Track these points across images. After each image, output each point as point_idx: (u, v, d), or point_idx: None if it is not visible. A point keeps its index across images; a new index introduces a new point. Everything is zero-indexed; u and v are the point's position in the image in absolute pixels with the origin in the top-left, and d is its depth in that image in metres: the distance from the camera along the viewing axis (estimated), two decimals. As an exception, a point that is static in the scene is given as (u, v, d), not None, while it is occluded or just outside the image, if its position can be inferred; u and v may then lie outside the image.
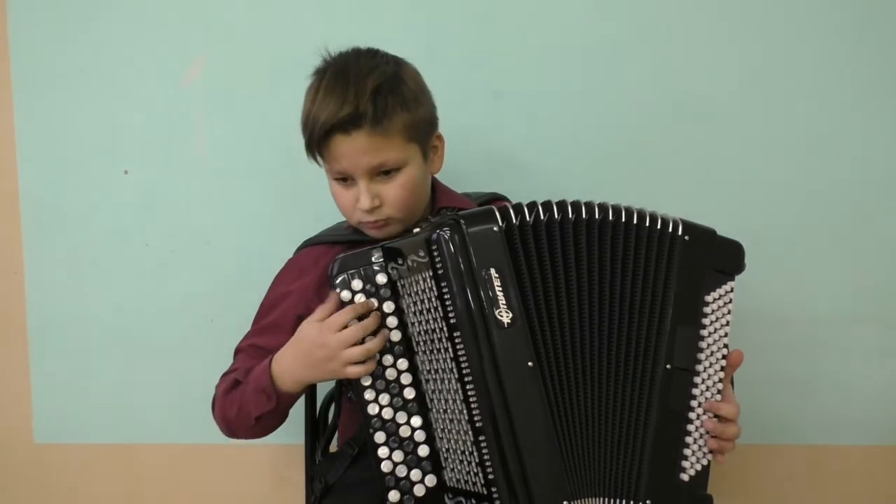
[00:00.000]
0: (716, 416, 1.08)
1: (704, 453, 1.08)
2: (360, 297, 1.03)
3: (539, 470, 0.98)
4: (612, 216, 1.06)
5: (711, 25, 1.48)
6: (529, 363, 0.99)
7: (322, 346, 1.02)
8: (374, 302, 1.03)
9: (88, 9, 1.49)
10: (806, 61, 1.48)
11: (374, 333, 1.03)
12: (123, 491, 1.61)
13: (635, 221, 1.07)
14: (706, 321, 1.09)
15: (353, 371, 1.02)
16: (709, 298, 1.09)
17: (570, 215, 1.04)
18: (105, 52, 1.50)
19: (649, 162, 1.50)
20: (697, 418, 1.08)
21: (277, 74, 1.47)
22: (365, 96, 1.08)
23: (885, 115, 1.48)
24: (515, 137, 1.50)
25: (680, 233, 1.08)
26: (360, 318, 1.02)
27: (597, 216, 1.05)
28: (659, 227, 1.07)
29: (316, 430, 1.33)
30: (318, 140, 1.11)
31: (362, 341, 1.02)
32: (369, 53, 1.16)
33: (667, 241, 1.07)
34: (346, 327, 1.02)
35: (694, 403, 1.08)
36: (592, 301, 1.04)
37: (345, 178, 1.15)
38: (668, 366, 1.06)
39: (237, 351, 1.21)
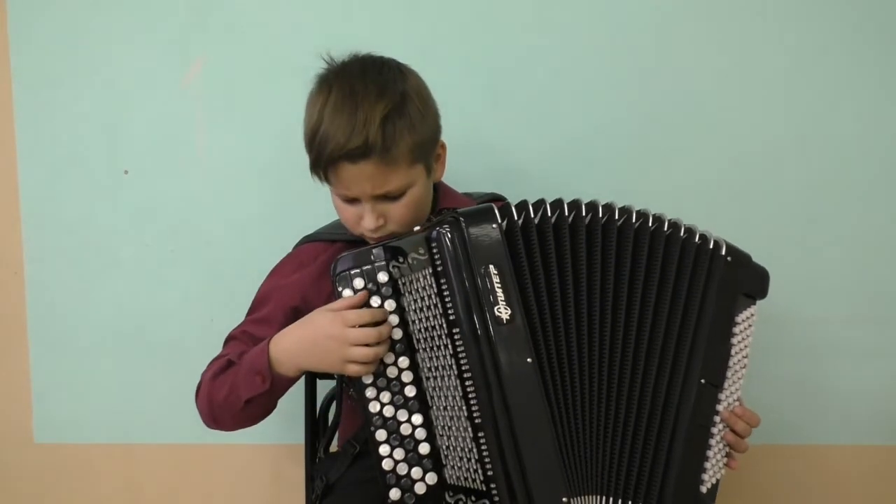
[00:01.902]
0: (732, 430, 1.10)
1: (720, 468, 1.10)
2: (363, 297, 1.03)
3: (538, 466, 0.98)
4: (637, 221, 1.06)
5: (711, 25, 1.48)
6: (529, 360, 0.99)
7: (333, 336, 1.01)
8: (392, 316, 1.03)
9: (88, 9, 1.49)
10: (806, 61, 1.48)
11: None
12: (123, 491, 1.61)
13: (666, 230, 1.07)
14: (734, 340, 1.10)
15: (353, 369, 1.01)
16: (738, 319, 1.11)
17: (585, 215, 1.04)
18: (105, 53, 1.50)
19: (648, 163, 1.50)
20: (718, 433, 1.09)
21: (277, 75, 1.47)
22: (374, 126, 1.04)
23: (883, 115, 1.49)
24: (514, 139, 1.50)
25: (723, 253, 1.09)
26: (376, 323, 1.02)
27: (616, 218, 1.05)
28: (698, 240, 1.08)
29: (316, 429, 1.33)
30: (324, 166, 1.09)
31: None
32: (375, 68, 1.11)
33: (707, 258, 1.08)
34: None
35: (717, 419, 1.09)
36: (605, 304, 1.04)
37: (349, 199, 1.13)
38: (702, 380, 1.07)
39: (229, 338, 1.20)
